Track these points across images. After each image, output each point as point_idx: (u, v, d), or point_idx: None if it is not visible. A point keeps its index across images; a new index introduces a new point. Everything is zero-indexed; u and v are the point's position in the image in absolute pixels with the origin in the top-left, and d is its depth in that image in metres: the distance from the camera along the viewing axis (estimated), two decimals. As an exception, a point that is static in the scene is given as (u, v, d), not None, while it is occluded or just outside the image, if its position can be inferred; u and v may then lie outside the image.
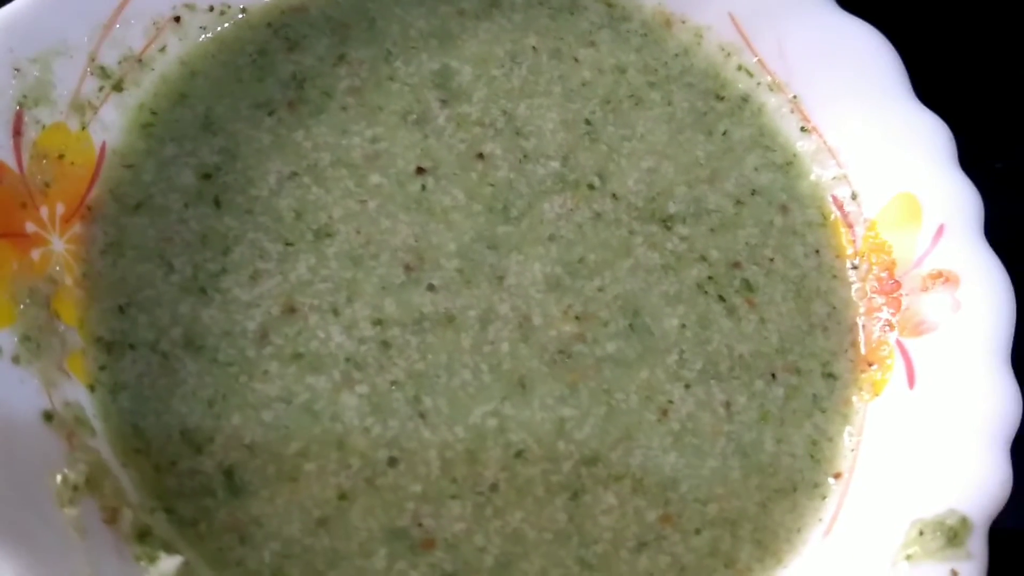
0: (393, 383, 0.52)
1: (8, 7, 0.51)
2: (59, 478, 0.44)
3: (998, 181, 0.68)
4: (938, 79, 0.61)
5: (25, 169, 0.50)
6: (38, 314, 0.48)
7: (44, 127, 0.51)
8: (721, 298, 0.57)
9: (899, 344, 0.56)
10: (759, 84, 0.63)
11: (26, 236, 0.49)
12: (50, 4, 0.52)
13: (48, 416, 0.46)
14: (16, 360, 0.46)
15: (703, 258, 0.58)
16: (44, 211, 0.51)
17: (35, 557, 0.41)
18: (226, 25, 0.59)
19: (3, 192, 0.49)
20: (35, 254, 0.50)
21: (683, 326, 0.56)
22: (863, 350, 0.57)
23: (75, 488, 0.44)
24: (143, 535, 0.46)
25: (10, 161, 0.50)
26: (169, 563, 0.45)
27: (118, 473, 0.48)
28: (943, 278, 0.55)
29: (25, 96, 0.51)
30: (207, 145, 0.56)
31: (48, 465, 0.45)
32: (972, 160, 0.58)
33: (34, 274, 0.49)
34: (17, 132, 0.50)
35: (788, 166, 0.62)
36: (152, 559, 0.45)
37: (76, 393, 0.49)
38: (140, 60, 0.56)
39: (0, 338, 0.46)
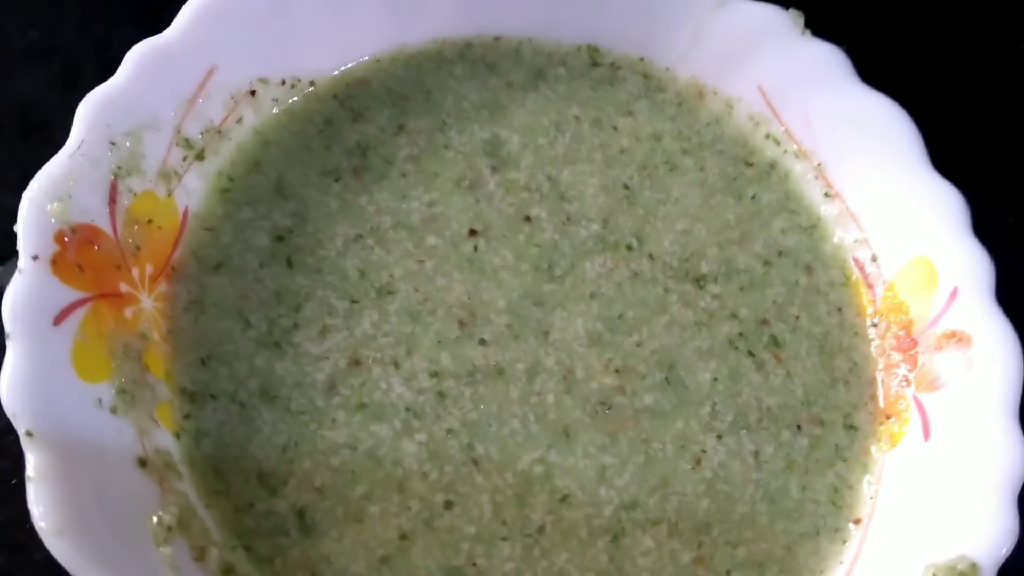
0: (448, 431, 0.56)
1: (103, 86, 0.56)
2: (155, 520, 0.49)
3: (1009, 236, 0.72)
4: (948, 140, 0.64)
5: (119, 234, 0.55)
6: (132, 368, 0.53)
7: (135, 195, 0.56)
8: (751, 353, 0.61)
9: (915, 399, 0.60)
10: (786, 152, 0.68)
11: (120, 296, 0.54)
12: (141, 82, 0.56)
13: (142, 462, 0.51)
14: (114, 411, 0.51)
15: (734, 315, 0.62)
16: (135, 272, 0.55)
17: (136, 593, 0.46)
18: (296, 98, 0.64)
19: (101, 256, 0.53)
20: (128, 312, 0.54)
21: (715, 380, 0.60)
22: (882, 403, 0.61)
23: (169, 529, 0.49)
24: (228, 572, 0.51)
25: (106, 227, 0.54)
26: (252, 598, 0.49)
27: (203, 514, 0.52)
28: (956, 338, 0.59)
29: (119, 167, 0.55)
30: (279, 209, 0.61)
31: (143, 508, 0.49)
32: (984, 215, 0.61)
33: (128, 331, 0.54)
34: (113, 200, 0.55)
35: (813, 229, 0.66)
36: (237, 594, 0.50)
37: (165, 440, 0.53)
38: (220, 131, 0.61)
39: (100, 391, 0.51)
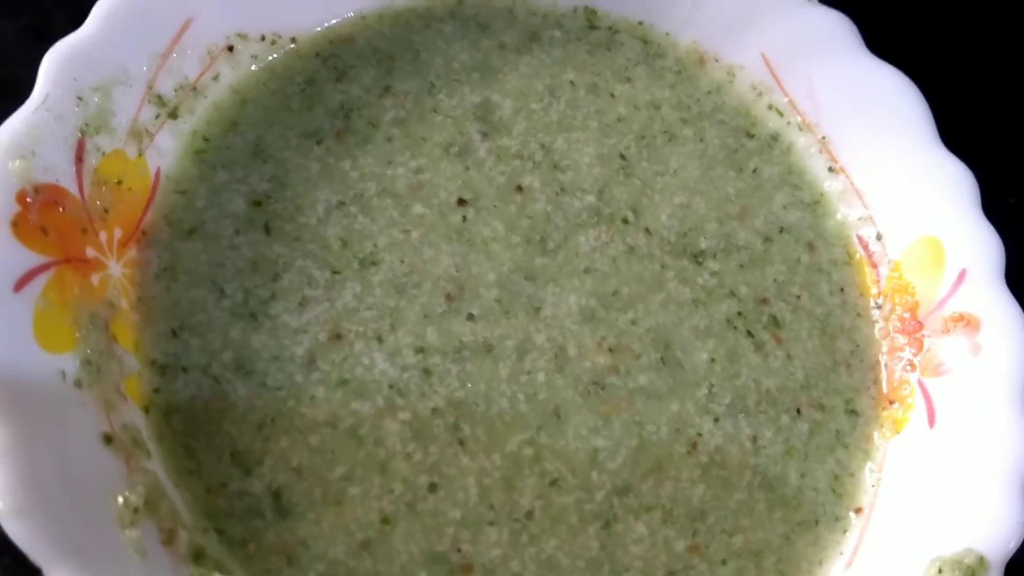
0: (434, 410, 0.54)
1: (71, 37, 0.53)
2: (120, 500, 0.46)
3: (1011, 216, 0.70)
4: (952, 114, 0.62)
5: (86, 195, 0.52)
6: (98, 338, 0.50)
7: (104, 154, 0.53)
8: (749, 333, 0.59)
9: (920, 384, 0.58)
10: (789, 124, 0.65)
11: (87, 261, 0.51)
12: (111, 34, 0.54)
13: (108, 439, 0.48)
14: (78, 384, 0.48)
15: (732, 294, 0.60)
16: (103, 236, 0.52)
17: (99, 579, 0.43)
18: (276, 55, 0.61)
19: (66, 218, 0.50)
20: (95, 278, 0.51)
21: (712, 360, 0.58)
22: (885, 388, 0.59)
23: (135, 510, 0.46)
24: (198, 556, 0.48)
25: (72, 188, 0.51)
26: (224, 585, 0.47)
27: (172, 494, 0.50)
28: (964, 321, 0.57)
29: (87, 124, 0.52)
30: (257, 172, 0.58)
31: (108, 487, 0.46)
32: (986, 195, 0.60)
33: (94, 298, 0.51)
34: (79, 159, 0.52)
35: (815, 205, 0.64)
36: (208, 580, 0.47)
37: (132, 416, 0.50)
38: (195, 88, 0.58)
39: (63, 362, 0.48)
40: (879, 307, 0.61)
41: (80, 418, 0.47)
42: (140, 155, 0.55)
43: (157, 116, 0.56)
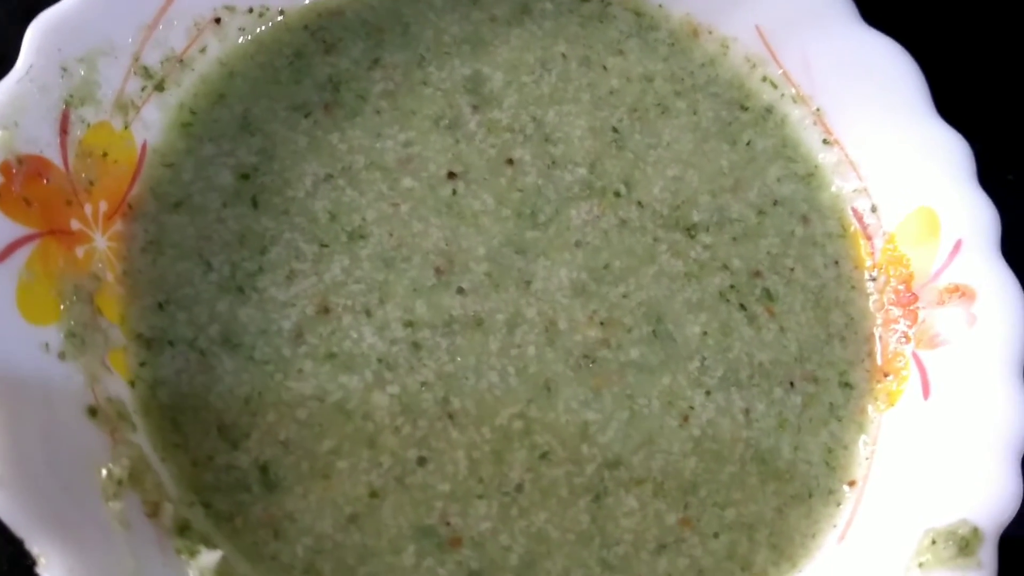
0: (423, 384, 0.53)
1: (55, 7, 0.53)
2: (104, 472, 0.46)
3: (1009, 193, 0.69)
4: (951, 90, 0.62)
5: (71, 167, 0.51)
6: (82, 311, 0.49)
7: (89, 126, 0.53)
8: (742, 306, 0.59)
9: (915, 356, 0.57)
10: (783, 96, 0.64)
11: (71, 233, 0.51)
12: (96, 5, 0.53)
13: (92, 411, 0.48)
14: (62, 356, 0.48)
15: (725, 267, 0.59)
16: (88, 208, 0.52)
17: (82, 550, 0.42)
18: (264, 27, 0.60)
19: (50, 190, 0.50)
20: (79, 251, 0.51)
21: (705, 333, 0.57)
22: (879, 361, 0.59)
23: (119, 482, 0.46)
24: (183, 529, 0.47)
25: (57, 159, 0.51)
26: (209, 558, 0.46)
27: (158, 468, 0.49)
28: (959, 292, 0.56)
29: (72, 95, 0.52)
30: (245, 145, 0.57)
31: (93, 460, 0.46)
32: (984, 172, 0.59)
33: (79, 271, 0.50)
34: (64, 131, 0.51)
35: (810, 177, 0.63)
36: (192, 553, 0.46)
37: (118, 389, 0.50)
38: (181, 60, 0.57)
39: (47, 334, 0.48)
40: (874, 279, 0.61)
41: (64, 390, 0.47)
42: (126, 127, 0.55)
43: (143, 88, 0.56)
